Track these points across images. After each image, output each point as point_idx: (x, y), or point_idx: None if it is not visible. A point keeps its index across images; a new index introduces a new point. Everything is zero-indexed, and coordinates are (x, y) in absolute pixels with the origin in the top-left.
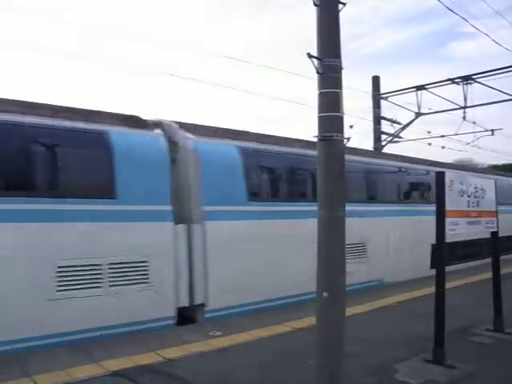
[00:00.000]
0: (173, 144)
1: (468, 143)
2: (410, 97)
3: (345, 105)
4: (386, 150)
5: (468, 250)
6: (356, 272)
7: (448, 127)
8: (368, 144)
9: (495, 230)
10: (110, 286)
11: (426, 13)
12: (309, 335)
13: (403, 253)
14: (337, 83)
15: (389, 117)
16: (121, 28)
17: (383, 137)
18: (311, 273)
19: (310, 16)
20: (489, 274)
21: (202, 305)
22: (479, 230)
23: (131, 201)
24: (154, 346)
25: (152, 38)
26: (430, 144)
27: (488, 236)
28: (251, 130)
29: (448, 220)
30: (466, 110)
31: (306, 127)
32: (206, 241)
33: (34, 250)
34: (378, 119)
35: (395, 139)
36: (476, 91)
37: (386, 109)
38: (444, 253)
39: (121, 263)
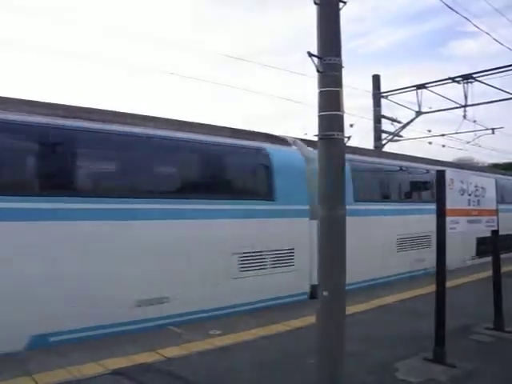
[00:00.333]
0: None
1: (468, 142)
2: (411, 95)
3: (345, 103)
4: (386, 148)
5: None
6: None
7: (448, 126)
8: (368, 143)
9: (496, 228)
10: (271, 267)
11: (426, 12)
12: (309, 334)
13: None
14: (337, 82)
15: (389, 115)
16: (120, 28)
17: (383, 135)
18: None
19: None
20: (489, 273)
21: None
22: (480, 229)
23: (284, 202)
24: (154, 344)
25: (152, 37)
26: (430, 143)
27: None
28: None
29: (448, 219)
30: (467, 108)
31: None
32: None
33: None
34: (378, 118)
35: (395, 138)
36: (476, 90)
37: (387, 107)
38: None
39: (277, 250)
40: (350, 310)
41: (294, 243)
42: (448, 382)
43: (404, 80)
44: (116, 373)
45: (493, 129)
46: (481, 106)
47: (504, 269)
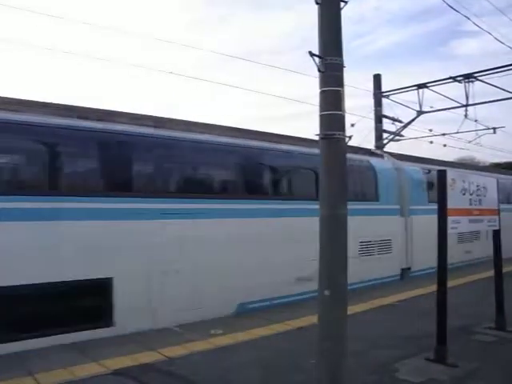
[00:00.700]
0: None
1: (470, 141)
2: (412, 95)
3: (346, 103)
4: (387, 148)
5: None
6: None
7: (449, 125)
8: (369, 142)
9: (497, 228)
10: (377, 254)
11: (427, 11)
12: (310, 334)
13: None
14: (338, 81)
15: (390, 115)
16: (120, 28)
17: (385, 135)
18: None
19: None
20: (490, 273)
21: (409, 268)
22: (481, 229)
23: (385, 203)
24: (156, 344)
25: (151, 37)
26: (431, 142)
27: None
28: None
29: (450, 218)
30: (468, 108)
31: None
32: (412, 228)
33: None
34: (379, 117)
35: (397, 137)
36: (478, 89)
37: (388, 107)
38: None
39: (382, 240)
40: (351, 309)
41: (391, 234)
42: (449, 381)
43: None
44: (117, 373)
45: (494, 128)
46: (482, 105)
47: (506, 269)
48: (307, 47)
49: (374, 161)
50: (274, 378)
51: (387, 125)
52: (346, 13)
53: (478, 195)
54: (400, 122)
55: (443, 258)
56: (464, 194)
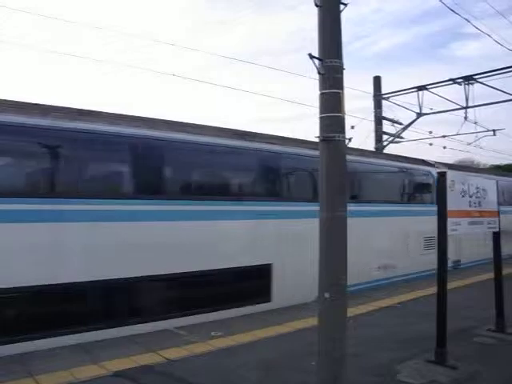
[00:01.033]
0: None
1: (469, 143)
2: (412, 97)
3: (346, 105)
4: (387, 150)
5: None
6: None
7: (449, 127)
8: (369, 144)
9: (497, 230)
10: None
11: (427, 14)
12: (310, 336)
13: None
14: (338, 84)
15: (390, 117)
16: (120, 28)
17: (384, 137)
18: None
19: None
20: (490, 275)
21: (459, 260)
22: (481, 230)
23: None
24: (155, 346)
25: (152, 37)
26: (431, 144)
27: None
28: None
29: (450, 220)
30: (468, 110)
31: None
32: None
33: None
34: (379, 119)
35: (396, 139)
36: (477, 91)
37: (388, 109)
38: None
39: (431, 237)
40: (352, 311)
41: None
42: (449, 383)
43: (405, 81)
44: (117, 375)
45: (494, 130)
46: (482, 107)
47: (506, 271)
48: (307, 49)
49: (430, 169)
50: (274, 379)
51: (387, 127)
52: (347, 14)
53: (477, 197)
54: (400, 123)
55: (443, 259)
56: (463, 196)
